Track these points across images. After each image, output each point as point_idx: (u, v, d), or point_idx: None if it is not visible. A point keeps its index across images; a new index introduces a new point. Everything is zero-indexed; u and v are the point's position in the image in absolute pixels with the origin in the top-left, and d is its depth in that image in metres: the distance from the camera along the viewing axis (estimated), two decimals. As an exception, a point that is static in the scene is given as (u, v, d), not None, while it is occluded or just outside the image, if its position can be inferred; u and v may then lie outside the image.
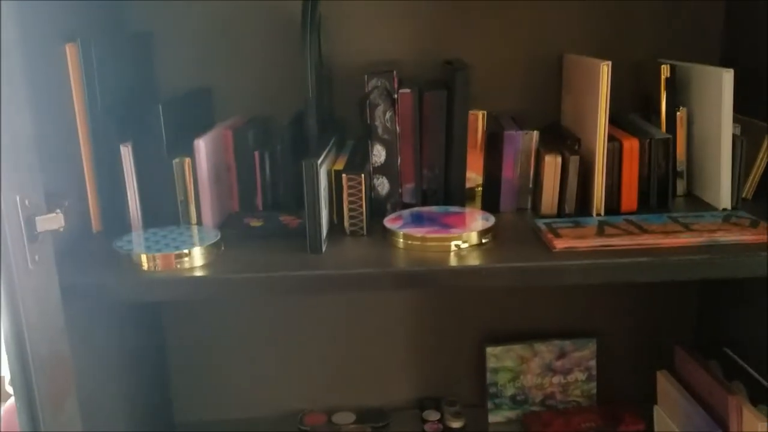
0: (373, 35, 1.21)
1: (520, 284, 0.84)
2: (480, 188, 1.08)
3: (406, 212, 1.03)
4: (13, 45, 0.71)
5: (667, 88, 1.06)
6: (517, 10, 1.21)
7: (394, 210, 1.06)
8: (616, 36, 1.22)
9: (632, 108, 1.19)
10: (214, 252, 0.91)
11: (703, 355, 1.21)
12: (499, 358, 1.33)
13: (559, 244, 0.87)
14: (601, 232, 0.91)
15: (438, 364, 1.38)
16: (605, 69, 0.97)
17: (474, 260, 0.87)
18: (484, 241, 0.92)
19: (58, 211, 0.78)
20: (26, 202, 0.74)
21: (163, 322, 1.33)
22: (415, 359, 1.38)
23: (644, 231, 0.90)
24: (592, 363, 1.35)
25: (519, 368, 1.34)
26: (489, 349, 1.32)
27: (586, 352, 1.34)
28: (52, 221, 0.77)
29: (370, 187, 1.05)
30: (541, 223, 0.95)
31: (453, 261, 0.87)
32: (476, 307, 1.35)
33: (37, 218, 0.75)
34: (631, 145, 1.00)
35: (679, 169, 1.08)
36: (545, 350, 1.33)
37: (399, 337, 1.36)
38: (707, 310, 1.33)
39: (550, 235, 0.90)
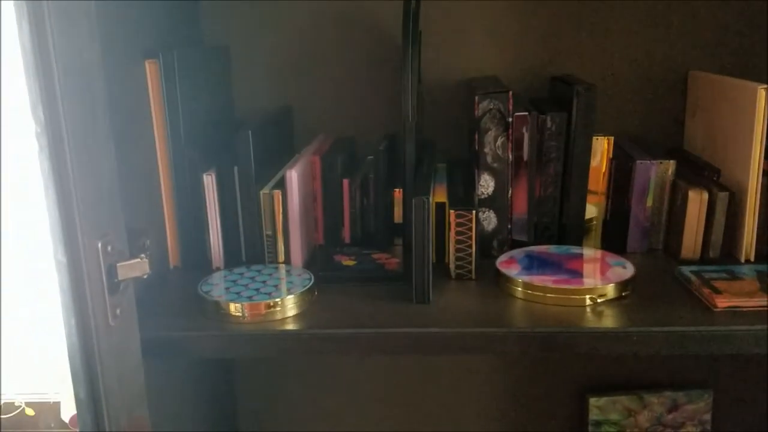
0: (469, 48, 1.09)
1: (677, 352, 0.70)
2: (595, 222, 0.96)
3: (518, 253, 0.90)
4: (98, 67, 0.62)
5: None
6: (635, 23, 1.07)
7: (501, 248, 0.94)
8: (746, 53, 1.07)
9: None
10: (307, 299, 0.80)
11: None
12: (604, 410, 1.19)
13: (722, 303, 0.73)
14: (765, 287, 0.76)
15: (534, 416, 1.26)
16: (763, 94, 0.82)
17: (616, 320, 0.73)
18: (624, 294, 0.78)
19: (143, 255, 0.68)
20: (108, 247, 0.64)
21: (234, 369, 1.23)
22: (509, 411, 1.25)
23: (820, 287, 0.76)
24: (707, 417, 1.21)
25: (625, 422, 1.20)
26: (592, 400, 1.19)
27: (700, 405, 1.20)
28: (136, 268, 0.67)
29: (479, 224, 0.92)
30: (687, 271, 0.81)
31: (590, 320, 0.74)
32: (577, 350, 1.22)
33: (119, 265, 0.65)
34: (792, 181, 0.85)
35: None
36: (655, 402, 1.19)
37: (491, 385, 1.24)
38: None
39: (706, 290, 0.75)
